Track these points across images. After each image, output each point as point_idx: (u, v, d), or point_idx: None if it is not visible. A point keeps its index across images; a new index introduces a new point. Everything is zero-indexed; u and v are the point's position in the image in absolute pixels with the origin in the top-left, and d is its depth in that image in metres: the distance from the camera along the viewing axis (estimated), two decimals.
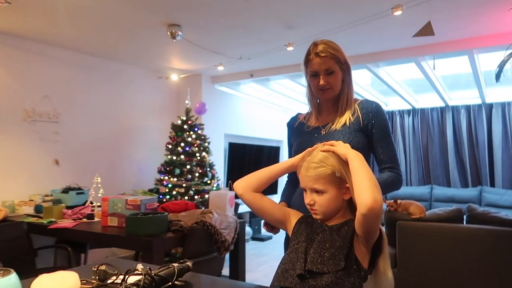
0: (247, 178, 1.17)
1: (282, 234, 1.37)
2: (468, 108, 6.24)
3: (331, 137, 1.36)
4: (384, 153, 1.39)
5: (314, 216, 1.06)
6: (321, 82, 1.40)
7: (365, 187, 0.92)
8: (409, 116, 6.77)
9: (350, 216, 1.04)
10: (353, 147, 1.09)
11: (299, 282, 0.96)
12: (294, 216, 1.15)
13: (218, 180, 4.55)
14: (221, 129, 5.46)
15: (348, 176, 1.00)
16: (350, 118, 1.41)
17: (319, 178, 1.01)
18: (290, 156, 1.52)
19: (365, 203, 0.89)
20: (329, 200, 1.01)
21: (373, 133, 1.40)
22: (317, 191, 1.02)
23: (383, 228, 3.13)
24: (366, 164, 0.99)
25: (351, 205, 1.04)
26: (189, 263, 1.03)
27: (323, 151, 1.06)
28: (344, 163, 1.02)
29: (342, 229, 1.01)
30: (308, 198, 1.04)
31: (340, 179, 1.01)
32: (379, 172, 1.41)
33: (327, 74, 1.39)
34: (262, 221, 1.40)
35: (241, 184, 1.17)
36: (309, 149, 1.12)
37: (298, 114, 1.62)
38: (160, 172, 4.32)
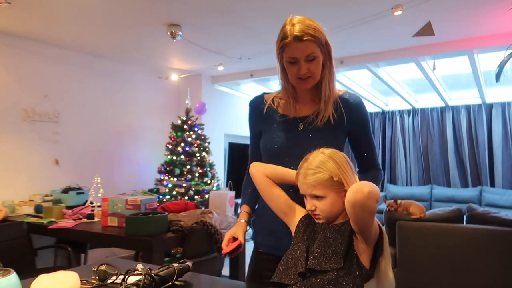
0: (265, 164, 1.20)
1: None
2: (468, 108, 6.23)
3: (312, 135, 1.25)
4: (368, 152, 1.33)
5: (317, 220, 1.07)
6: (302, 70, 1.20)
7: (356, 182, 0.96)
8: (409, 116, 6.77)
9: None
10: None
11: (300, 280, 0.97)
12: (299, 212, 1.14)
13: (218, 180, 4.55)
14: (221, 129, 5.46)
15: (346, 180, 1.01)
16: (333, 114, 1.26)
17: (317, 184, 1.02)
18: (252, 142, 1.38)
19: (349, 190, 0.92)
20: (330, 204, 1.02)
21: (357, 131, 1.31)
22: (317, 197, 1.03)
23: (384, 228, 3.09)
24: None
25: None
26: (189, 263, 1.03)
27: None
28: (341, 167, 1.02)
29: (342, 227, 1.01)
30: (309, 204, 1.05)
31: (338, 183, 1.01)
32: (360, 171, 1.35)
33: (308, 61, 1.19)
34: (223, 244, 1.24)
35: (257, 166, 1.19)
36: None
37: (264, 93, 1.40)
38: (160, 172, 4.32)
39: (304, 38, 1.17)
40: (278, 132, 1.28)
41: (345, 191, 1.01)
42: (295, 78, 1.23)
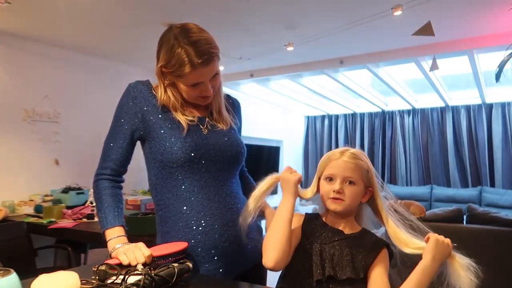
0: (270, 249, 0.95)
1: None
2: (468, 108, 6.24)
3: (220, 136, 1.16)
4: None
5: (334, 206, 0.99)
6: (209, 92, 1.09)
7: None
8: (409, 116, 6.77)
9: (358, 225, 1.04)
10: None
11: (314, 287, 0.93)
12: (299, 221, 1.06)
13: None
14: None
15: (373, 181, 1.02)
16: (229, 117, 1.23)
17: (357, 168, 0.99)
18: (121, 135, 1.25)
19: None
20: (357, 193, 1.00)
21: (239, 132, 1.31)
22: (350, 181, 0.99)
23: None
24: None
25: (359, 213, 1.05)
26: (189, 263, 1.03)
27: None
28: (370, 167, 1.03)
29: (364, 240, 0.99)
30: (338, 185, 0.98)
31: (368, 180, 1.01)
32: (241, 175, 1.29)
33: (212, 79, 1.10)
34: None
35: (270, 258, 0.94)
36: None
37: (150, 82, 1.19)
38: None
39: (214, 60, 1.05)
40: (187, 133, 1.10)
41: (369, 191, 1.02)
42: (196, 97, 1.11)
